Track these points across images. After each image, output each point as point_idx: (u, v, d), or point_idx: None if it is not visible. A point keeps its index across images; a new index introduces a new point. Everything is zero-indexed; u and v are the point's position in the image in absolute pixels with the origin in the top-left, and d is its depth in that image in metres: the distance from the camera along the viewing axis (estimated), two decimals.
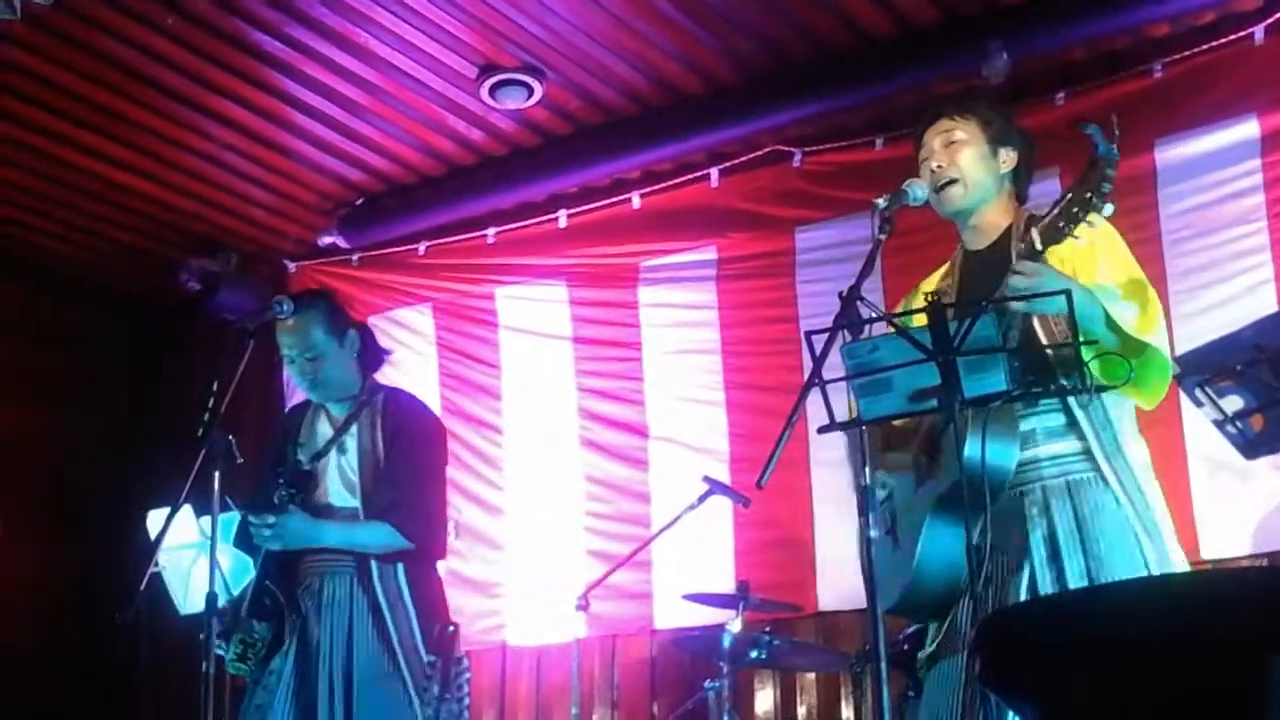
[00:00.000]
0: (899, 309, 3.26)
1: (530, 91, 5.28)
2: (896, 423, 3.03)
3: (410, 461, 3.97)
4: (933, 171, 3.16)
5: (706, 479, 4.91)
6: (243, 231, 6.40)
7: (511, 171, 5.84)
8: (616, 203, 5.84)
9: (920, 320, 2.77)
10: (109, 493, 6.49)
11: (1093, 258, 2.96)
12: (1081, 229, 2.69)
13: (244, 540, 3.92)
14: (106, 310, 6.99)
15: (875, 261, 2.95)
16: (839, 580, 4.93)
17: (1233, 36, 4.75)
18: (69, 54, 4.99)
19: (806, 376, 2.76)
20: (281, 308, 3.85)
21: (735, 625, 4.53)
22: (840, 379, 2.81)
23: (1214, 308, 4.59)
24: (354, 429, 4.01)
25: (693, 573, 5.27)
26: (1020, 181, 3.24)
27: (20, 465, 6.41)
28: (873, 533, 2.68)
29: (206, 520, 3.78)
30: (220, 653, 3.62)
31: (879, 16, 4.93)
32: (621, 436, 5.73)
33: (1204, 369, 3.40)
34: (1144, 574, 2.85)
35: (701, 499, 4.87)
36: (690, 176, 5.70)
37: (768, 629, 4.60)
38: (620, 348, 5.81)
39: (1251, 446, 3.48)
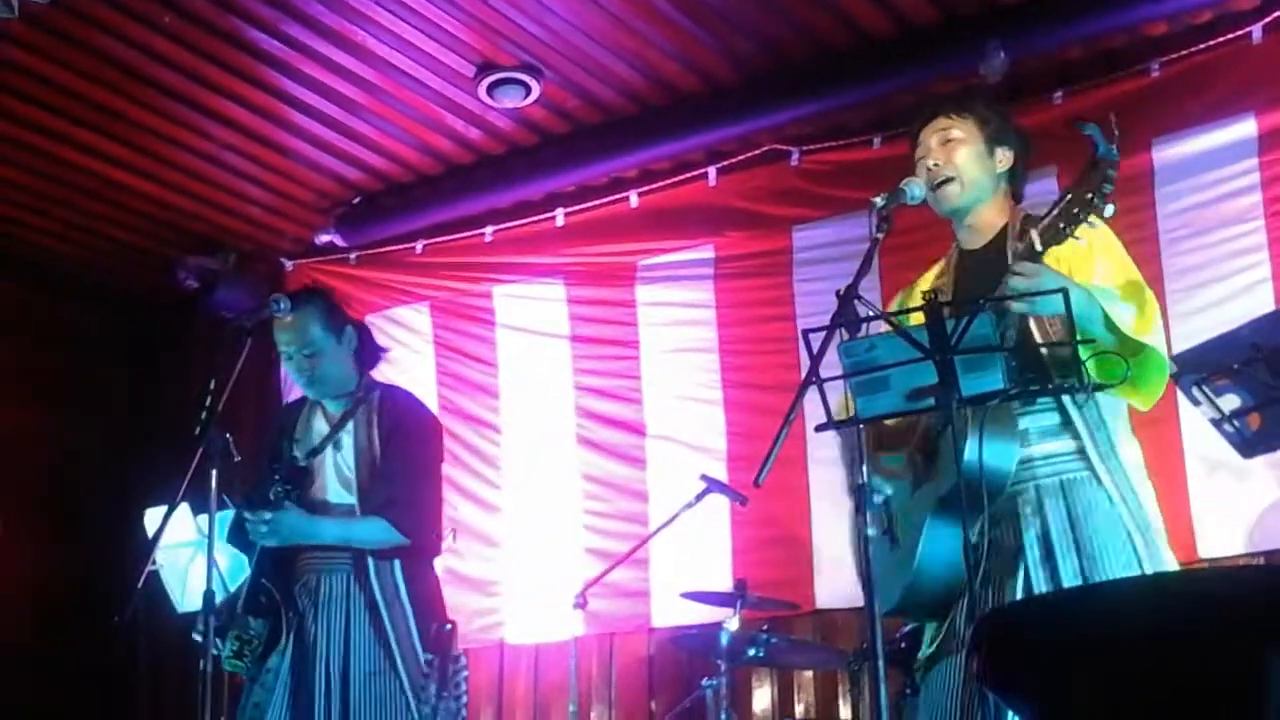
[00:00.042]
0: (893, 307, 3.26)
1: (528, 90, 5.28)
2: (890, 422, 3.03)
3: (406, 458, 3.97)
4: (929, 170, 3.16)
5: (704, 477, 4.91)
6: (240, 230, 6.40)
7: (509, 170, 5.84)
8: (614, 201, 5.85)
9: (917, 319, 2.77)
10: (108, 492, 6.49)
11: (1089, 258, 2.96)
12: (1081, 229, 2.69)
13: (238, 537, 3.92)
14: (105, 309, 6.99)
15: (873, 260, 2.95)
16: (837, 578, 4.92)
17: (1230, 35, 4.75)
18: (67, 52, 4.99)
19: (804, 375, 2.76)
20: (279, 306, 3.85)
21: (733, 623, 4.53)
22: (838, 377, 2.81)
23: (1211, 306, 4.60)
24: (350, 426, 4.02)
25: (690, 571, 5.27)
26: (1016, 181, 3.24)
27: (19, 465, 6.41)
28: (870, 531, 2.68)
29: (204, 518, 3.78)
30: (216, 650, 3.61)
31: (877, 15, 4.93)
32: (619, 435, 5.73)
33: (1201, 368, 3.41)
34: (1137, 573, 2.85)
35: (699, 497, 4.87)
36: (688, 175, 5.70)
37: (765, 627, 4.60)
38: (618, 346, 5.81)
39: (1249, 445, 3.49)
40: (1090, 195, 2.64)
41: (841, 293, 2.80)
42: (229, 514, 3.92)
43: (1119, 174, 2.69)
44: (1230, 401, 3.39)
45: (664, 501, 5.35)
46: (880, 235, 2.95)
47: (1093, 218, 2.66)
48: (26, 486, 6.41)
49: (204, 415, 3.63)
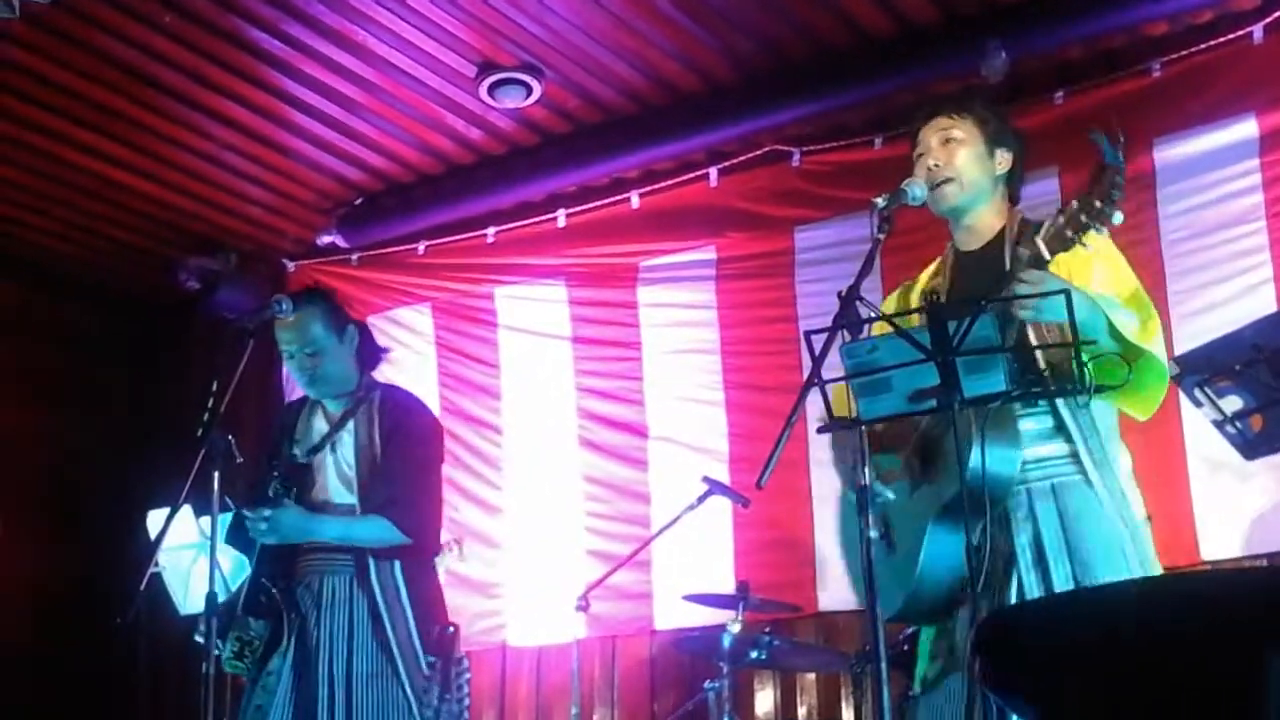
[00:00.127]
0: (886, 306, 3.26)
1: (529, 90, 5.28)
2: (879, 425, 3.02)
3: (407, 458, 3.97)
4: (929, 169, 3.15)
5: (706, 479, 4.90)
6: (241, 230, 6.40)
7: (510, 171, 5.84)
8: (615, 202, 5.84)
9: (916, 319, 2.77)
10: (108, 492, 6.50)
11: (1088, 264, 2.95)
12: (1089, 237, 2.68)
13: (237, 537, 3.92)
14: (105, 309, 6.99)
15: (874, 261, 2.95)
16: (839, 581, 4.91)
17: (1231, 36, 4.75)
18: (67, 52, 4.99)
19: (806, 376, 2.76)
20: (280, 307, 3.86)
21: (735, 626, 4.53)
22: (839, 379, 2.81)
23: (1213, 308, 4.59)
24: (351, 425, 4.02)
25: (692, 573, 5.27)
26: (1014, 183, 3.24)
27: (19, 465, 6.41)
28: (872, 533, 2.67)
29: (206, 520, 3.78)
30: (216, 651, 3.61)
31: (878, 15, 4.93)
32: (621, 436, 5.73)
33: (1203, 369, 3.40)
34: (1129, 576, 2.84)
35: (701, 499, 4.87)
36: (689, 176, 5.70)
37: (767, 629, 4.60)
38: (619, 347, 5.81)
39: (1251, 447, 3.47)
40: (1098, 203, 2.63)
41: (843, 294, 2.79)
42: (230, 514, 3.92)
43: None
44: (1232, 403, 3.38)
45: (666, 503, 5.34)
46: (882, 236, 2.95)
47: (1101, 225, 2.65)
48: (26, 486, 6.41)
49: (206, 417, 3.63)
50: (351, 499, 3.95)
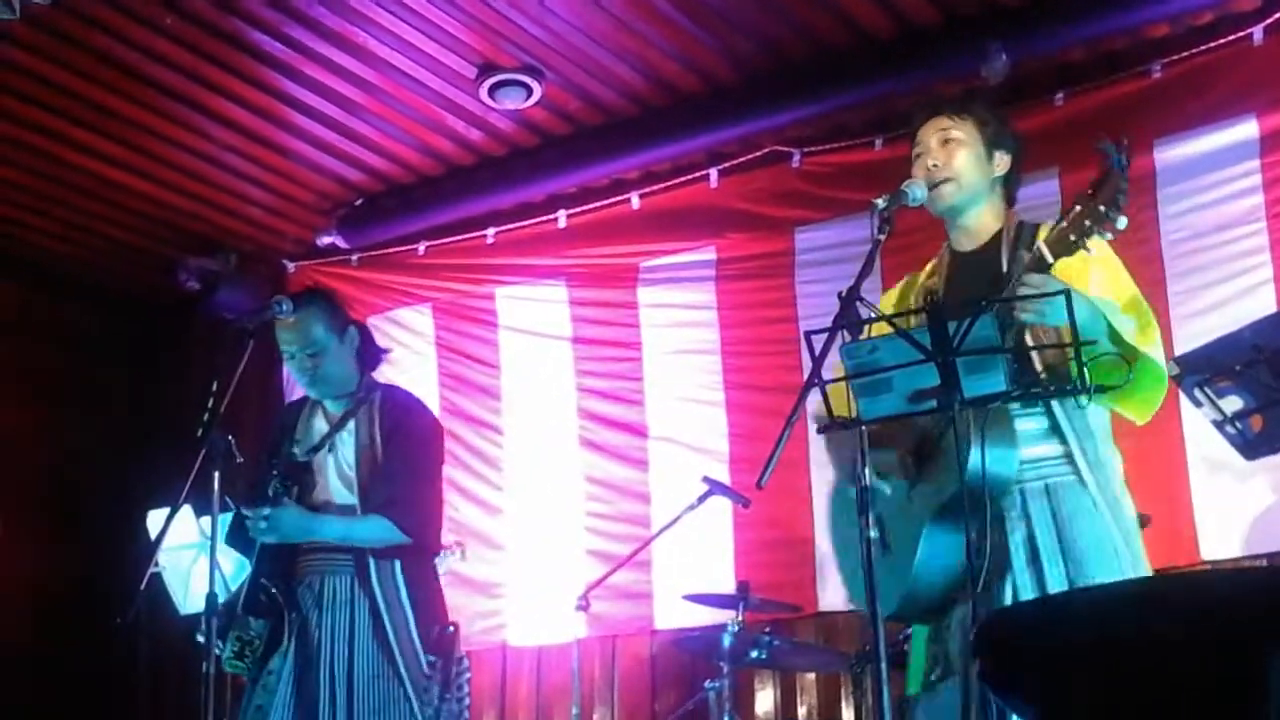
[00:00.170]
0: (886, 300, 3.27)
1: (529, 92, 5.28)
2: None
3: (407, 458, 3.97)
4: (928, 169, 3.16)
5: (706, 479, 4.91)
6: (241, 231, 6.40)
7: (511, 172, 5.84)
8: (616, 203, 5.85)
9: (912, 320, 2.77)
10: (109, 493, 6.50)
11: (1087, 269, 2.95)
12: (1092, 241, 2.68)
13: (236, 538, 3.92)
14: (105, 309, 6.99)
15: (875, 262, 2.95)
16: (838, 580, 4.90)
17: (1231, 37, 4.75)
18: (67, 53, 4.99)
19: (806, 377, 2.76)
20: (281, 307, 3.86)
21: (735, 625, 4.53)
22: (840, 379, 2.81)
23: (1213, 308, 4.60)
24: (351, 425, 4.02)
25: (693, 573, 5.27)
26: (1011, 184, 3.24)
27: (20, 465, 6.41)
28: (872, 533, 2.67)
29: (206, 520, 3.78)
30: (216, 651, 3.61)
31: (878, 16, 4.93)
32: (621, 437, 5.73)
33: (1203, 369, 3.40)
34: (1123, 577, 2.85)
35: (701, 499, 4.87)
36: (689, 177, 5.70)
37: (768, 629, 4.60)
38: (620, 348, 5.81)
39: (1251, 447, 3.48)
40: (1103, 207, 2.63)
41: (843, 294, 2.80)
42: (230, 514, 3.92)
43: None
44: (1232, 403, 3.39)
45: (666, 503, 5.35)
46: (882, 237, 2.95)
47: (1105, 230, 2.65)
48: (26, 486, 6.41)
49: (206, 417, 3.63)
50: (352, 499, 3.95)
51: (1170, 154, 4.82)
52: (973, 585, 2.65)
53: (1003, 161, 3.20)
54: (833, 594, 5.06)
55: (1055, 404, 2.94)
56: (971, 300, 2.76)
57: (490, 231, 6.08)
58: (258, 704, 3.82)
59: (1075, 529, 2.90)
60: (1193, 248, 4.74)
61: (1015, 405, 2.84)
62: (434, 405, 5.42)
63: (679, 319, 5.72)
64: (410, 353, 6.13)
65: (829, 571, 5.09)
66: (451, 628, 3.54)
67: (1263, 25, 4.71)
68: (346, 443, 4.01)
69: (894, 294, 3.32)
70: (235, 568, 4.17)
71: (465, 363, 6.14)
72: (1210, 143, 4.77)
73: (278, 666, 3.83)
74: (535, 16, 4.88)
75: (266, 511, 3.75)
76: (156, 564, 4.15)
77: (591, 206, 5.89)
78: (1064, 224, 2.69)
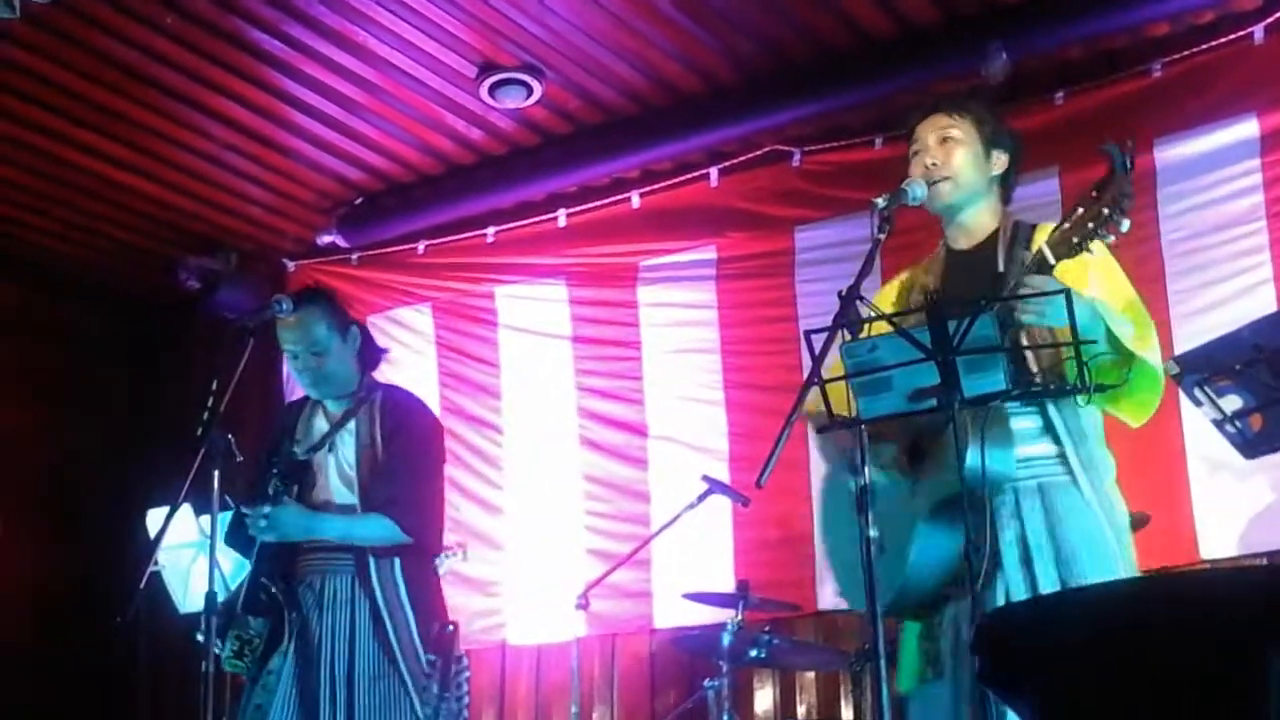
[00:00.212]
0: (880, 298, 3.27)
1: (530, 91, 5.28)
2: None
3: (408, 458, 3.98)
4: (926, 167, 3.16)
5: (706, 478, 4.90)
6: (242, 230, 6.40)
7: (511, 171, 5.84)
8: (616, 202, 5.84)
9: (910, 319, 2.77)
10: (108, 492, 6.49)
11: (1084, 270, 2.95)
12: (1094, 244, 2.68)
13: (236, 538, 3.92)
14: (105, 309, 6.99)
15: (875, 261, 2.95)
16: None
17: (1232, 36, 4.75)
18: (68, 52, 4.99)
19: (806, 376, 2.76)
20: (281, 306, 3.86)
21: (735, 624, 4.52)
22: (839, 378, 2.81)
23: (1213, 307, 4.60)
24: (352, 425, 4.02)
25: (692, 572, 5.27)
26: (1008, 184, 3.24)
27: (20, 465, 6.41)
28: (872, 532, 2.67)
29: (206, 519, 3.78)
30: (216, 650, 3.61)
31: (878, 16, 4.93)
32: (621, 436, 5.73)
33: (1203, 368, 3.40)
34: (1115, 577, 2.85)
35: (701, 498, 4.87)
36: (689, 176, 5.70)
37: (767, 628, 4.60)
38: (620, 347, 5.81)
39: (1250, 446, 3.48)
40: (1106, 210, 2.63)
41: (843, 294, 2.80)
42: (229, 514, 3.91)
43: None
44: (1232, 402, 3.39)
45: (666, 502, 5.35)
46: (882, 236, 2.95)
47: (1108, 233, 2.65)
48: (26, 486, 6.41)
49: (206, 416, 3.63)
50: (352, 499, 3.95)
51: (1170, 153, 4.81)
52: (972, 583, 2.65)
53: (1000, 160, 3.21)
54: (832, 593, 5.04)
55: (1050, 404, 2.94)
56: (972, 299, 2.76)
57: (490, 230, 6.08)
58: (257, 703, 3.82)
59: (1068, 528, 2.90)
60: (1193, 247, 4.74)
61: (1012, 405, 2.84)
62: (434, 404, 5.42)
63: (679, 318, 5.72)
64: (410, 352, 6.13)
65: (828, 571, 5.07)
66: (451, 626, 3.55)
67: (1263, 24, 4.71)
68: (347, 442, 4.01)
69: (890, 291, 3.31)
70: (234, 567, 4.17)
71: (465, 362, 6.14)
72: (1210, 142, 4.76)
73: (278, 666, 3.83)
74: (535, 15, 4.88)
75: (267, 510, 3.75)
76: (156, 563, 4.14)
77: (591, 205, 5.89)
78: (1067, 226, 2.69)
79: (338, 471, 4.00)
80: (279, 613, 3.87)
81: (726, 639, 4.48)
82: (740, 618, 4.55)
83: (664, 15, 4.89)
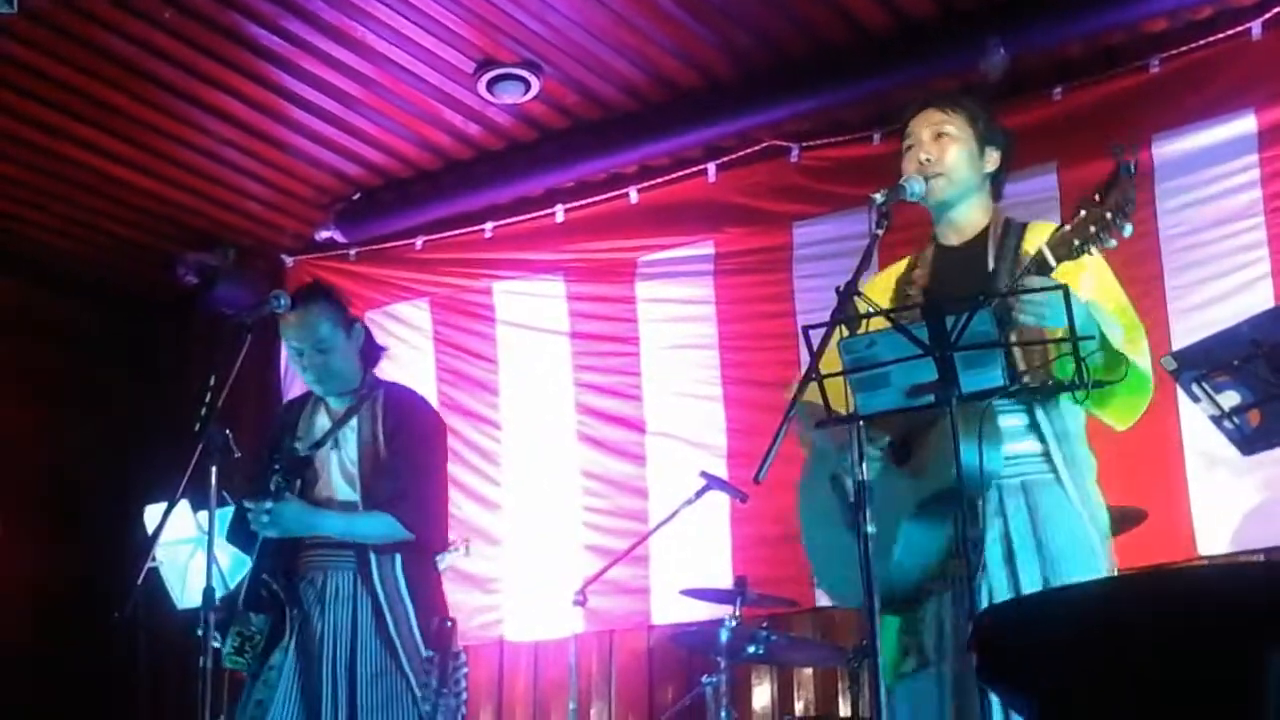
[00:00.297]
0: (871, 292, 3.26)
1: (528, 86, 5.28)
2: None
3: (411, 455, 3.97)
4: (920, 163, 3.15)
5: (704, 474, 4.90)
6: (240, 226, 6.39)
7: (509, 166, 5.84)
8: (614, 198, 5.84)
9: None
10: (108, 491, 6.49)
11: (1077, 273, 2.94)
12: (1095, 247, 2.68)
13: (236, 535, 3.92)
14: (104, 306, 6.98)
15: (873, 256, 2.95)
16: None
17: (1230, 32, 4.75)
18: (66, 48, 4.99)
19: (804, 371, 2.76)
20: (279, 302, 3.86)
21: (733, 620, 4.53)
22: (837, 374, 2.81)
23: (1211, 303, 4.60)
24: (354, 422, 4.02)
25: (690, 568, 5.27)
26: (999, 181, 3.24)
27: (20, 464, 6.40)
28: (870, 528, 2.67)
29: (203, 515, 3.77)
30: (216, 646, 3.61)
31: (876, 11, 4.93)
32: (619, 431, 5.73)
33: (1201, 364, 3.39)
34: (1099, 575, 2.84)
35: (699, 494, 4.87)
36: (688, 172, 5.70)
37: (765, 624, 4.60)
38: (618, 343, 5.81)
39: (1249, 442, 3.47)
40: (1110, 214, 2.62)
41: (841, 289, 2.79)
42: (229, 510, 3.91)
43: None
44: (1230, 398, 3.38)
45: (664, 498, 5.35)
46: (880, 231, 2.95)
47: (1110, 237, 2.64)
48: (26, 486, 6.41)
49: (204, 412, 3.63)
50: (354, 496, 3.95)
51: (1168, 149, 4.81)
52: (970, 578, 2.65)
53: (993, 158, 3.21)
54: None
55: (1036, 403, 2.94)
56: (970, 295, 2.76)
57: (488, 226, 6.08)
58: (258, 699, 3.81)
59: (1052, 526, 2.90)
60: (1191, 243, 4.74)
61: (1000, 402, 2.84)
62: (432, 400, 5.41)
63: (677, 314, 5.72)
64: (408, 348, 6.13)
65: None
66: (449, 622, 3.54)
67: (1261, 20, 4.71)
68: (349, 439, 4.01)
69: (878, 284, 3.30)
70: (232, 563, 4.16)
71: (463, 358, 6.13)
72: (1209, 138, 4.76)
73: (279, 662, 3.83)
74: (534, 11, 4.87)
75: (269, 505, 3.75)
76: (154, 559, 4.14)
77: (589, 201, 5.89)
78: (1068, 228, 2.68)
79: (340, 468, 3.99)
80: (280, 609, 3.87)
81: (724, 635, 4.48)
82: (738, 614, 4.55)
83: (662, 10, 4.88)
